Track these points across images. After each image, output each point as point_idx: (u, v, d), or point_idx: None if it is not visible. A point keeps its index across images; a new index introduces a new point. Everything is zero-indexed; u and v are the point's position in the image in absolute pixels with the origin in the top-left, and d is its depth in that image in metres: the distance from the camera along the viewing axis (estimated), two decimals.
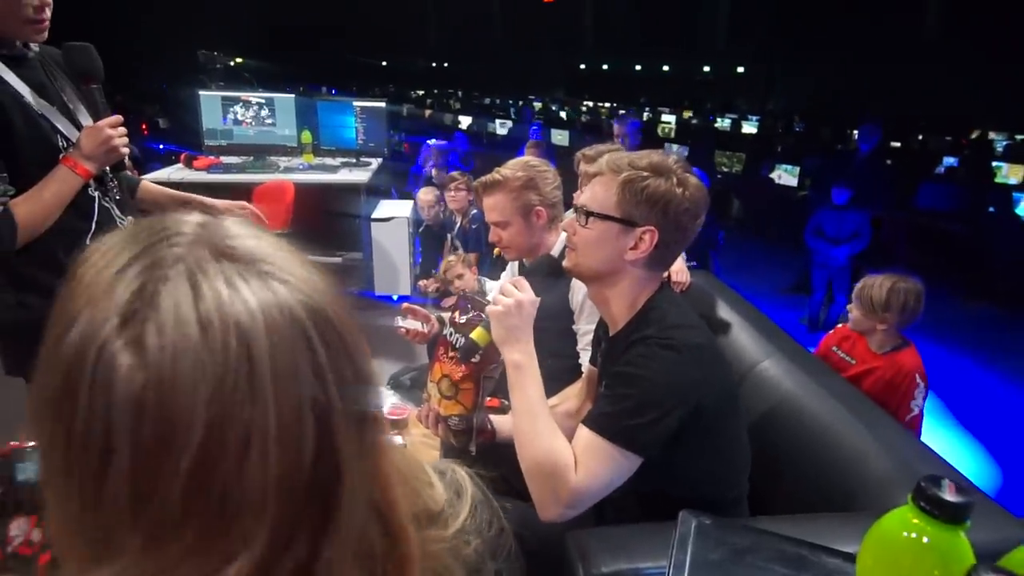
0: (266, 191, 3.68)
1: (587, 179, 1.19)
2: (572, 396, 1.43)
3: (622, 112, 13.44)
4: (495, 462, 1.19)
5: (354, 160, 3.97)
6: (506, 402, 1.10)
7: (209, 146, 3.80)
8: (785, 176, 6.54)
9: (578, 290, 1.65)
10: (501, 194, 1.65)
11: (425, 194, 3.97)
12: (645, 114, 13.42)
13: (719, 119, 12.04)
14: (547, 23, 19.16)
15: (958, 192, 5.71)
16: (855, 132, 7.55)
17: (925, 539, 0.48)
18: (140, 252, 0.35)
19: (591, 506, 1.03)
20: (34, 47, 1.31)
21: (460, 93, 18.27)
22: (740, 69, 16.23)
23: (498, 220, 1.67)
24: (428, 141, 5.42)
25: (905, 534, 0.49)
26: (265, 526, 0.33)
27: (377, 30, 19.45)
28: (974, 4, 11.07)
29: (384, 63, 22.68)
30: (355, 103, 3.99)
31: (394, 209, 3.90)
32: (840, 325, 2.22)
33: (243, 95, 3.86)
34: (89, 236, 1.35)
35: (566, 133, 8.45)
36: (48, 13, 1.24)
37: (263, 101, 3.85)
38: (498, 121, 10.16)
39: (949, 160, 7.05)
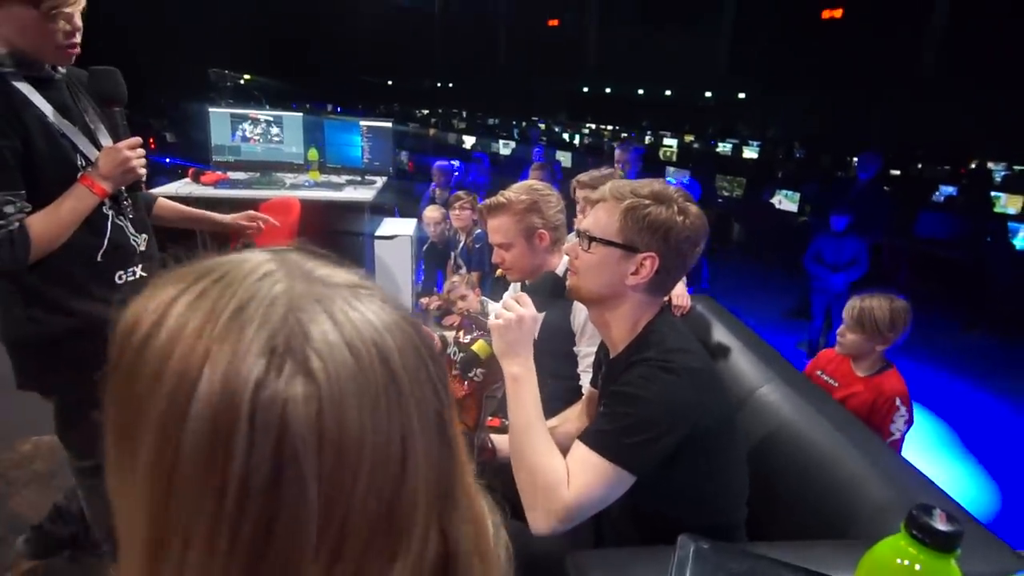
0: (272, 207, 3.72)
1: (586, 204, 1.22)
2: (572, 418, 1.44)
3: (623, 136, 13.59)
4: (494, 482, 1.20)
5: (359, 178, 4.01)
6: (507, 421, 1.12)
7: (217, 161, 3.85)
8: (785, 201, 6.60)
9: (579, 312, 1.66)
10: (505, 216, 1.68)
11: (431, 211, 4.02)
12: (647, 138, 13.57)
13: (720, 144, 12.17)
14: (551, 46, 19.47)
15: (957, 221, 5.76)
16: (855, 160, 7.63)
17: (917, 567, 0.49)
18: (230, 297, 0.34)
19: (590, 528, 1.04)
20: (61, 69, 1.34)
21: (464, 113, 18.48)
22: (741, 95, 16.44)
23: (501, 242, 1.70)
24: (452, 162, 5.45)
25: (898, 561, 0.50)
26: (418, 526, 0.36)
27: (383, 50, 19.74)
28: (972, 35, 11.26)
29: (390, 82, 22.98)
30: (361, 122, 4.05)
31: (397, 227, 3.94)
32: (826, 349, 2.24)
33: (252, 112, 3.92)
34: (101, 253, 1.37)
35: (568, 155, 8.56)
36: (78, 38, 1.27)
37: (271, 119, 3.91)
38: (501, 142, 10.28)
39: (948, 189, 7.12)
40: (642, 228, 1.09)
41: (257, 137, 3.88)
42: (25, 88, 1.25)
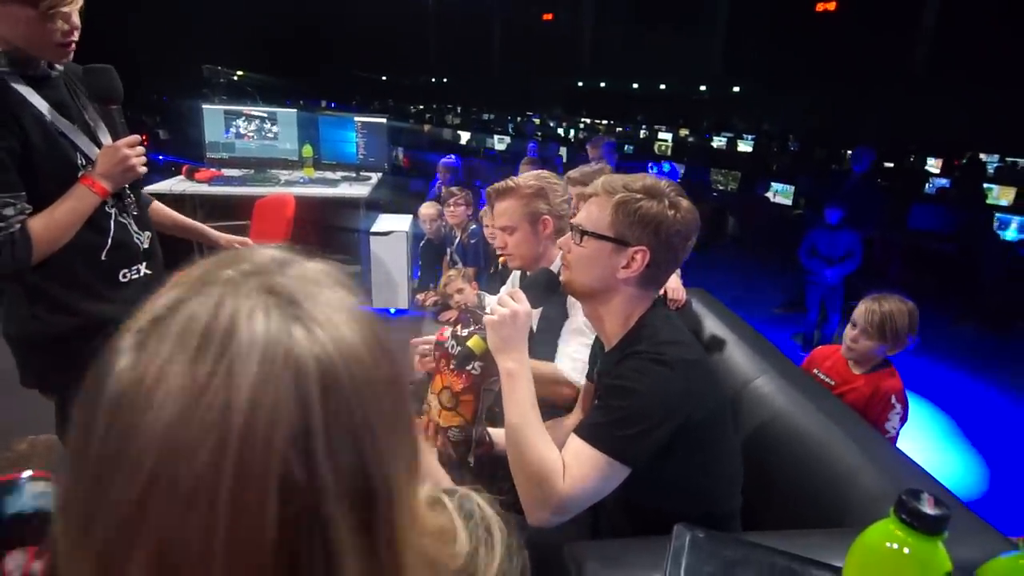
0: (267, 204, 3.72)
1: (578, 200, 1.23)
2: (571, 415, 1.46)
3: (619, 131, 13.58)
4: (491, 474, 1.21)
5: (354, 174, 4.01)
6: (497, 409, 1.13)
7: (211, 158, 3.84)
8: (780, 195, 6.62)
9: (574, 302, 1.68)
10: (512, 199, 1.71)
11: (427, 208, 4.02)
12: (642, 131, 13.56)
13: (715, 138, 12.18)
14: (545, 41, 19.42)
15: (950, 213, 5.79)
16: (849, 153, 7.66)
17: (906, 550, 0.51)
18: (249, 374, 0.32)
19: (585, 517, 1.05)
20: (58, 66, 1.33)
21: (459, 108, 18.44)
22: (736, 89, 16.46)
23: (506, 224, 1.72)
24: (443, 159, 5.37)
25: (887, 545, 0.52)
26: None
27: (378, 45, 19.66)
28: (965, 29, 11.29)
29: (384, 78, 22.89)
30: (356, 118, 4.05)
31: (393, 223, 3.94)
32: (821, 346, 2.22)
33: (246, 109, 3.91)
34: (104, 252, 1.37)
35: (564, 150, 8.56)
36: (76, 36, 1.26)
37: (265, 115, 3.90)
38: (496, 137, 10.26)
39: (940, 181, 7.15)
40: (633, 222, 1.10)
41: (251, 134, 3.87)
42: (23, 88, 1.24)
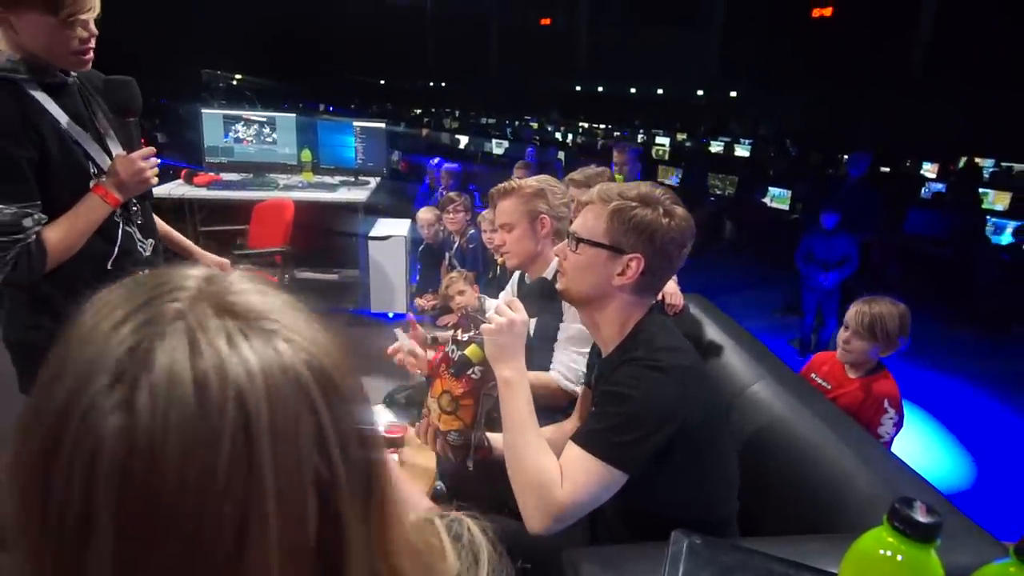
0: (266, 209, 3.72)
1: (577, 205, 1.24)
2: (569, 420, 1.46)
3: (616, 134, 13.61)
4: (491, 479, 1.22)
5: (352, 179, 4.02)
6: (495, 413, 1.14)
7: (210, 163, 3.84)
8: (776, 200, 6.65)
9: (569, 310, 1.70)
10: (513, 198, 1.77)
11: (425, 213, 4.02)
12: (639, 136, 13.60)
13: (712, 142, 12.22)
14: (543, 45, 19.48)
15: (946, 217, 5.82)
16: (845, 157, 7.70)
17: (899, 557, 0.51)
18: (139, 307, 0.32)
19: (584, 524, 1.06)
20: (73, 73, 1.34)
21: (457, 112, 18.48)
22: (733, 93, 16.52)
23: (505, 222, 1.77)
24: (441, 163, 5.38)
25: (881, 552, 0.52)
26: None
27: (376, 49, 19.70)
28: (961, 33, 11.36)
29: (382, 81, 22.93)
30: (355, 123, 4.06)
31: (391, 228, 3.95)
32: (821, 352, 2.24)
33: (245, 113, 3.92)
34: (111, 260, 1.37)
35: (562, 154, 8.59)
36: (93, 43, 1.26)
37: (264, 119, 3.91)
38: (494, 141, 10.29)
39: (937, 186, 7.18)
40: (628, 229, 1.11)
41: (250, 138, 3.88)
42: (40, 96, 1.25)
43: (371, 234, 3.82)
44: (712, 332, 1.88)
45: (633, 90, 18.97)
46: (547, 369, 1.70)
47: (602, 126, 16.10)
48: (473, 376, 1.21)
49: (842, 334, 1.98)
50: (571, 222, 1.28)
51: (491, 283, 3.18)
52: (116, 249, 1.38)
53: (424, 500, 0.90)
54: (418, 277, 4.14)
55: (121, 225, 1.39)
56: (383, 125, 4.14)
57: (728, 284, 5.00)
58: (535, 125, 15.65)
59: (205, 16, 14.73)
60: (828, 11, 13.95)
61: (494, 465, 1.24)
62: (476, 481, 1.33)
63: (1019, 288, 4.76)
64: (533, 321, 1.70)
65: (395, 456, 1.77)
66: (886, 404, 1.87)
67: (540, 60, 19.12)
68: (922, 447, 3.10)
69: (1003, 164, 9.35)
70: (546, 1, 19.74)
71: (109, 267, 1.37)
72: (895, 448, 1.84)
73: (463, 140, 10.74)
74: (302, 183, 3.87)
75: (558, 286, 1.22)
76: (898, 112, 11.27)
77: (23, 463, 0.30)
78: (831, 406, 1.53)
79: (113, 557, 0.28)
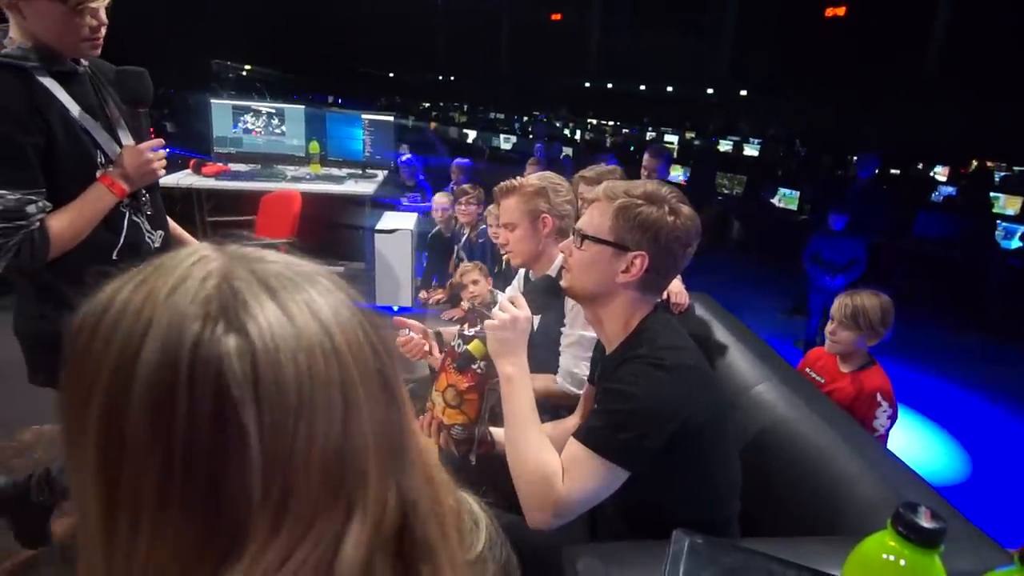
0: (273, 200, 3.73)
1: (586, 203, 1.24)
2: (572, 416, 1.47)
3: (624, 131, 13.53)
4: (493, 474, 1.22)
5: (360, 172, 4.02)
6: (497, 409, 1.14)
7: (219, 153, 3.86)
8: (785, 200, 6.61)
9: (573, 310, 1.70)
10: (515, 197, 1.76)
11: (440, 197, 4.01)
12: (648, 134, 13.54)
13: (721, 141, 12.15)
14: (553, 40, 19.40)
15: (955, 221, 5.78)
16: (855, 159, 7.65)
17: (902, 562, 0.51)
18: (167, 277, 0.36)
19: (584, 521, 1.06)
20: (84, 62, 1.34)
21: (465, 107, 18.44)
22: (743, 93, 16.41)
23: (508, 221, 1.77)
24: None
25: (884, 557, 0.52)
26: (372, 485, 0.37)
27: (386, 42, 19.66)
28: (974, 36, 11.24)
29: (391, 74, 22.89)
30: (363, 116, 4.06)
31: (398, 221, 3.95)
32: (816, 347, 2.26)
33: (254, 104, 3.93)
34: (116, 250, 1.37)
35: (570, 150, 8.57)
36: (103, 32, 1.26)
37: (273, 111, 3.91)
38: (503, 136, 10.26)
39: (947, 189, 7.12)
40: (633, 227, 1.11)
41: (259, 129, 3.89)
42: (49, 83, 1.25)
43: (377, 227, 3.82)
44: (718, 332, 1.88)
45: (643, 87, 18.87)
46: (549, 367, 1.70)
47: (611, 123, 16.04)
48: (478, 371, 1.21)
49: (829, 326, 2.04)
50: (578, 219, 1.27)
51: (498, 277, 3.19)
52: (121, 239, 1.38)
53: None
54: (424, 267, 4.13)
55: (128, 215, 1.39)
56: (391, 118, 4.14)
57: (734, 284, 4.98)
58: (544, 121, 15.60)
59: (216, 7, 14.73)
60: (842, 11, 13.82)
61: (496, 460, 1.24)
62: (478, 475, 1.33)
63: None
64: (537, 318, 1.70)
65: None
66: (879, 397, 1.89)
67: (550, 56, 19.04)
68: (927, 452, 3.09)
69: (1014, 168, 9.26)
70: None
71: (115, 257, 1.37)
72: (895, 449, 1.83)
73: (471, 134, 10.72)
74: (310, 175, 3.88)
75: (563, 283, 1.22)
76: (909, 114, 11.16)
77: (125, 432, 0.33)
78: (835, 408, 1.52)
79: (259, 457, 0.33)
